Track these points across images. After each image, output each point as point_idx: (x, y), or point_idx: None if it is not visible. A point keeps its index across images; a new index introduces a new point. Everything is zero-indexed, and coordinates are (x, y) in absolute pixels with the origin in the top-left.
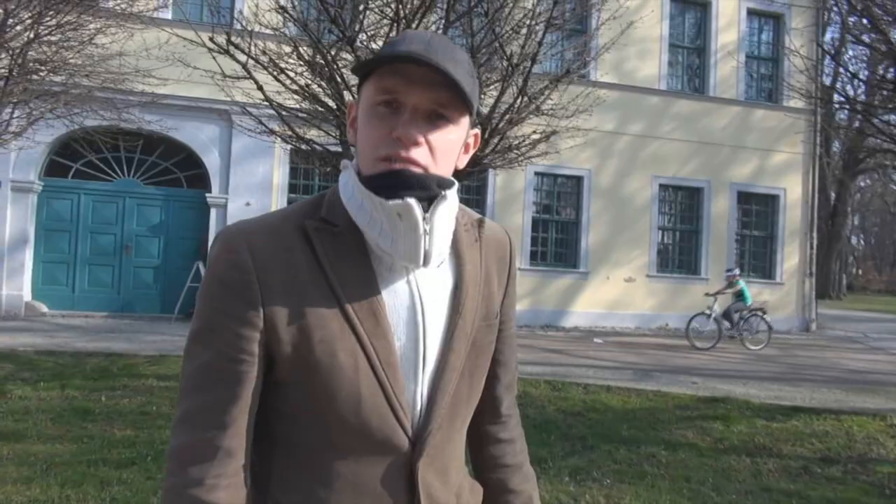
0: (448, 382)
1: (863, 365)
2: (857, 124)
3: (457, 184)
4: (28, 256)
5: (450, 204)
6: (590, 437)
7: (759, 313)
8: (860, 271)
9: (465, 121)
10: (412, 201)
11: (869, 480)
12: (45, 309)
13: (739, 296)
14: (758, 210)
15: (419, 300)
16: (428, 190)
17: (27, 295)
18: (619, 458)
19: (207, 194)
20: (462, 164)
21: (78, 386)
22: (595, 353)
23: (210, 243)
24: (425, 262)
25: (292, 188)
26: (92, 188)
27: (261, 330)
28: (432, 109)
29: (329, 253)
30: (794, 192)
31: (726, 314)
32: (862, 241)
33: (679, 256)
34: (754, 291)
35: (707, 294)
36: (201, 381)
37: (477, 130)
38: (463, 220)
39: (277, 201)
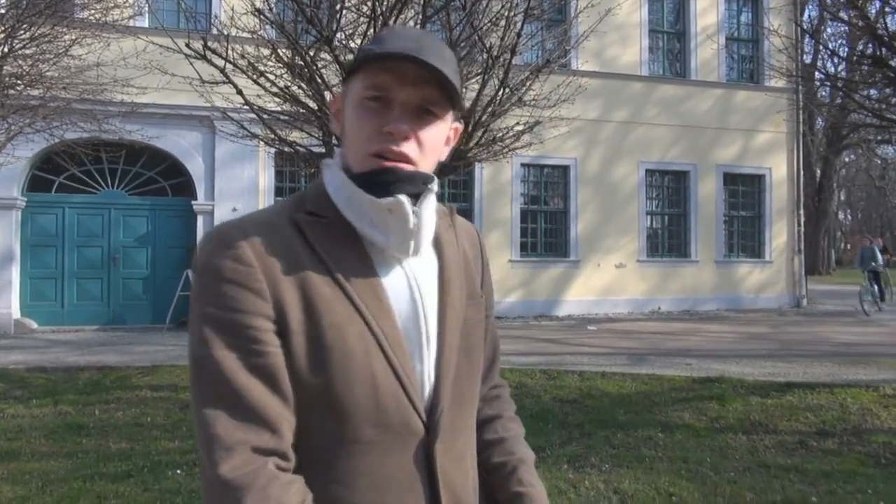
0: (449, 360)
1: (854, 338)
2: (839, 101)
3: (436, 178)
4: (15, 273)
5: (433, 198)
6: (587, 423)
7: None
8: (849, 246)
9: (450, 116)
10: (403, 198)
11: (865, 451)
12: (34, 325)
13: None
14: (744, 190)
15: (414, 280)
16: (416, 186)
17: (16, 312)
18: (617, 443)
19: (193, 202)
20: (444, 157)
21: (71, 401)
22: (589, 341)
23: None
24: (415, 252)
25: (278, 191)
26: (76, 201)
27: (274, 320)
28: (420, 106)
29: (323, 242)
30: (779, 170)
31: None
32: (849, 217)
33: (668, 240)
34: (743, 271)
35: None
36: (233, 385)
37: (458, 124)
38: (437, 209)
39: (265, 205)
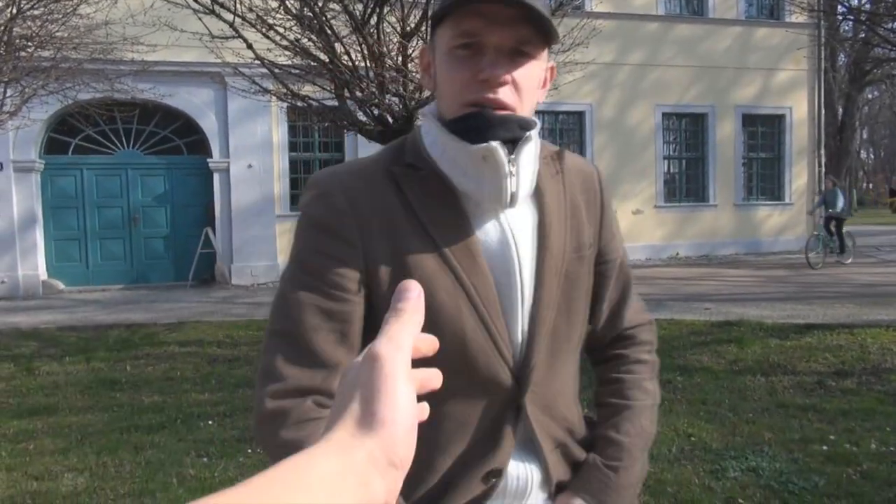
0: (545, 316)
1: (875, 279)
2: (862, 35)
3: (538, 123)
4: (39, 235)
5: (533, 144)
6: None
7: None
8: (871, 185)
9: (544, 55)
10: (496, 144)
11: (883, 389)
12: (61, 286)
13: None
14: (764, 132)
15: (511, 236)
16: (511, 131)
17: (42, 274)
18: None
19: (208, 159)
20: (542, 99)
21: (102, 358)
22: None
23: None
24: (512, 203)
25: (293, 146)
26: (93, 162)
27: (361, 270)
28: (515, 48)
29: (419, 195)
30: (800, 109)
31: None
32: (871, 155)
33: (686, 185)
34: (762, 214)
35: None
36: (302, 324)
37: (553, 63)
38: (543, 154)
39: (279, 161)
